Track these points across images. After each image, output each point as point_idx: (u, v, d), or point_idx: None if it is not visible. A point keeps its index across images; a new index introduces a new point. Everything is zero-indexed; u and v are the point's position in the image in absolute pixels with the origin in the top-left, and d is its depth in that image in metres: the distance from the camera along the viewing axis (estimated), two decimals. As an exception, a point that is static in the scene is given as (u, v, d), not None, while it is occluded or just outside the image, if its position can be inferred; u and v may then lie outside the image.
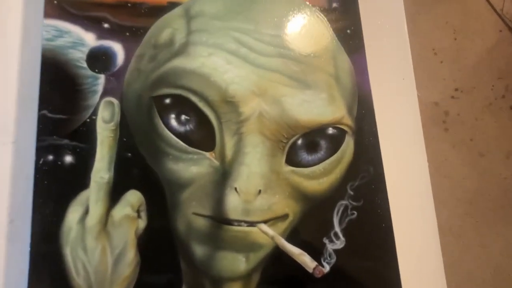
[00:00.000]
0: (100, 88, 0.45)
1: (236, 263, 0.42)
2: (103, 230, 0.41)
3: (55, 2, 0.45)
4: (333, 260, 0.43)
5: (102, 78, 0.45)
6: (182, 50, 0.44)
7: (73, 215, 0.41)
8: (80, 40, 0.46)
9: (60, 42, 0.46)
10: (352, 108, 0.47)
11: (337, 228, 0.44)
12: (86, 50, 0.45)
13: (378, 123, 0.46)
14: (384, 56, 0.49)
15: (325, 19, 0.49)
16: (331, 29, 0.49)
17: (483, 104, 1.39)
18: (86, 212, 0.41)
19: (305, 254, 0.42)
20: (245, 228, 0.42)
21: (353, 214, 0.44)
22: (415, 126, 0.48)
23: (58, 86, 0.44)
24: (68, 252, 0.40)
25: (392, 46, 0.50)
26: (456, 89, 1.39)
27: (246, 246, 0.42)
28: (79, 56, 0.45)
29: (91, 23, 0.46)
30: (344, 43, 0.48)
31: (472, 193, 1.23)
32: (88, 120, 0.43)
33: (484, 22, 1.46)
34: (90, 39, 0.46)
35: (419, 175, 0.47)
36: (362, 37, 0.48)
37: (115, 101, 0.43)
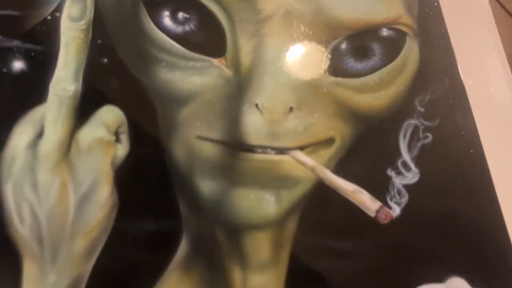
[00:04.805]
0: (67, -23, 0.32)
1: (261, 204, 0.29)
2: (64, 159, 0.28)
3: None
4: (404, 199, 0.29)
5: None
6: None
7: (20, 138, 0.28)
8: None
9: None
10: (411, 5, 0.34)
11: (406, 156, 0.30)
12: None
13: (448, 23, 0.33)
14: None
15: None
16: None
17: None
18: (40, 135, 0.28)
19: (363, 191, 0.28)
20: (272, 157, 0.29)
21: (426, 137, 0.31)
22: (490, 27, 0.35)
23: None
24: (9, 190, 0.28)
25: None
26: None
27: (275, 181, 0.29)
28: None
29: None
30: None
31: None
32: (49, 18, 0.32)
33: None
34: None
35: (506, 84, 0.34)
36: None
37: (87, -7, 0.31)
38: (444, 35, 0.34)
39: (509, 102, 0.34)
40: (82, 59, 0.30)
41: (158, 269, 0.28)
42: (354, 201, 0.28)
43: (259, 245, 0.29)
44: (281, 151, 0.29)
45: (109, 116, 0.29)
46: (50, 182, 0.27)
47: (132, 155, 0.29)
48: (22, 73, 0.30)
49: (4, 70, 0.30)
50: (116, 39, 0.32)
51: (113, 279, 0.27)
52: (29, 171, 0.27)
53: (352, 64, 0.32)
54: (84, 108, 0.29)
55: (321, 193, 0.29)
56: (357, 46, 0.32)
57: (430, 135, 0.32)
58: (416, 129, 0.31)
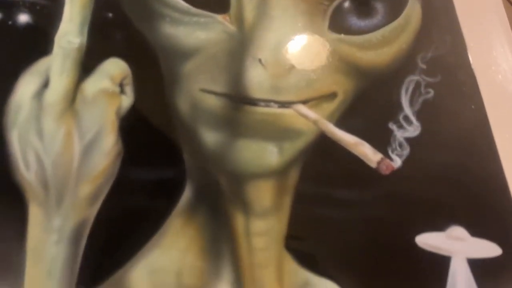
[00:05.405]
0: None
1: (264, 155, 0.29)
2: (69, 109, 0.28)
3: None
4: (406, 152, 0.30)
5: None
6: None
7: (26, 88, 0.28)
8: None
9: None
10: (414, -34, 0.34)
11: (407, 110, 0.31)
12: None
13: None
14: None
15: None
16: None
17: None
18: (46, 85, 0.28)
19: (364, 143, 0.28)
20: (275, 110, 0.29)
21: (428, 92, 0.32)
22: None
23: None
24: (15, 137, 0.28)
25: None
26: None
27: (278, 132, 0.30)
28: None
29: None
30: None
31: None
32: (54, -28, 0.31)
33: None
34: None
35: (508, 46, 0.34)
36: None
37: (92, -50, 0.31)
38: (446, -4, 0.34)
39: (510, 61, 0.34)
40: (87, 13, 0.30)
41: (162, 215, 0.28)
42: (356, 153, 0.29)
43: (262, 193, 0.29)
44: (284, 104, 0.29)
45: (114, 68, 0.30)
46: (55, 130, 0.27)
47: (136, 105, 0.29)
48: (27, 26, 0.30)
49: (10, 22, 0.30)
50: (121, -6, 0.32)
51: (118, 224, 0.28)
52: (34, 120, 0.28)
53: (355, 22, 0.32)
54: (90, 60, 0.29)
55: (323, 145, 0.30)
56: (360, 5, 0.32)
57: (431, 91, 0.32)
58: (418, 84, 0.32)
